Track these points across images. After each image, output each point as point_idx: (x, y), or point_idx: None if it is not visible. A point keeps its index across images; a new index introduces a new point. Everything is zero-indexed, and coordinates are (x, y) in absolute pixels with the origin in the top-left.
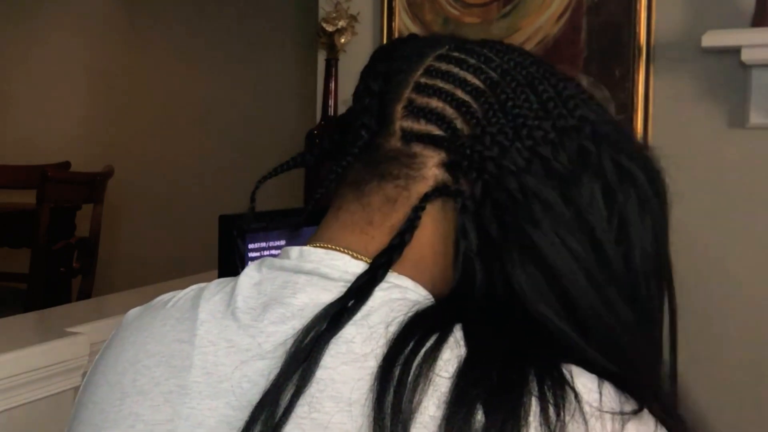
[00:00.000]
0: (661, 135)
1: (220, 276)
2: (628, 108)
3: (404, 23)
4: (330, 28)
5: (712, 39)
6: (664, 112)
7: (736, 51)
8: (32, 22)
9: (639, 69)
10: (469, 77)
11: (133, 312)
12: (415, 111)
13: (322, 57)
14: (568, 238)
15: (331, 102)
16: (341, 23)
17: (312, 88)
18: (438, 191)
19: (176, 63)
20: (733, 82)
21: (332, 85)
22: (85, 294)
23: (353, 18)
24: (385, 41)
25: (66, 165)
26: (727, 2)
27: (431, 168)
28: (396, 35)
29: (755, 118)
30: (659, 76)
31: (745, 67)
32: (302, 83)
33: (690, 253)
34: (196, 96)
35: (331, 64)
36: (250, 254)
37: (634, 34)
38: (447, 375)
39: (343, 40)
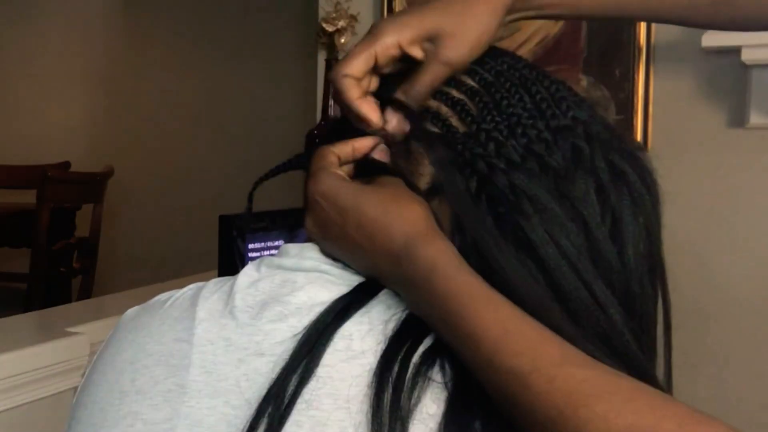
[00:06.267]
0: (661, 135)
1: (220, 276)
2: (628, 108)
3: None
4: (330, 28)
5: (712, 39)
6: (664, 112)
7: (736, 51)
8: (32, 21)
9: (639, 69)
10: (464, 78)
11: (131, 312)
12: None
13: (322, 57)
14: (557, 234)
15: (331, 102)
16: (341, 23)
17: (312, 88)
18: (434, 188)
19: (176, 63)
20: (733, 82)
21: None
22: (85, 294)
23: (353, 18)
24: None
25: (66, 165)
26: None
27: (427, 165)
28: None
29: (755, 118)
30: (659, 76)
31: (745, 67)
32: (302, 83)
33: (689, 252)
34: (196, 96)
35: (331, 64)
36: (250, 254)
37: (634, 34)
38: (445, 373)
39: (343, 40)
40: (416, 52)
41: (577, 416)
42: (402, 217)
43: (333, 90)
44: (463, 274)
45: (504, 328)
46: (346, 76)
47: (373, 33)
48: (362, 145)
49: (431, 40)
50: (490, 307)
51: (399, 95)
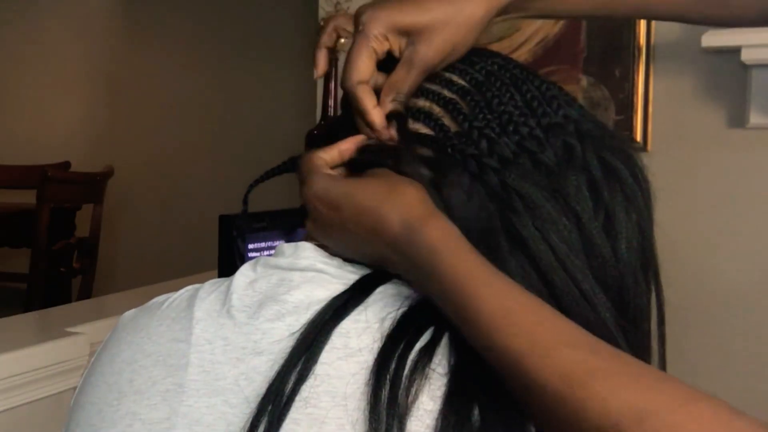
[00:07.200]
0: (661, 135)
1: (220, 276)
2: (628, 108)
3: None
4: None
5: (712, 39)
6: (664, 112)
7: (736, 51)
8: (32, 21)
9: (639, 69)
10: (455, 78)
11: (129, 313)
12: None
13: None
14: (549, 231)
15: (331, 102)
16: None
17: (312, 88)
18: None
19: (176, 63)
20: (733, 82)
21: (332, 85)
22: (85, 294)
23: None
24: None
25: (66, 165)
26: None
27: (420, 164)
28: None
29: (755, 118)
30: (659, 76)
31: (745, 67)
32: (302, 84)
33: (689, 252)
34: (196, 96)
35: (331, 65)
36: (250, 254)
37: (634, 34)
38: (442, 370)
39: (342, 41)
40: (395, 49)
41: (575, 397)
42: (397, 203)
43: (345, 96)
44: (465, 254)
45: (504, 309)
46: (360, 83)
47: (362, 29)
48: (347, 147)
49: (410, 34)
50: (492, 287)
51: (392, 105)
